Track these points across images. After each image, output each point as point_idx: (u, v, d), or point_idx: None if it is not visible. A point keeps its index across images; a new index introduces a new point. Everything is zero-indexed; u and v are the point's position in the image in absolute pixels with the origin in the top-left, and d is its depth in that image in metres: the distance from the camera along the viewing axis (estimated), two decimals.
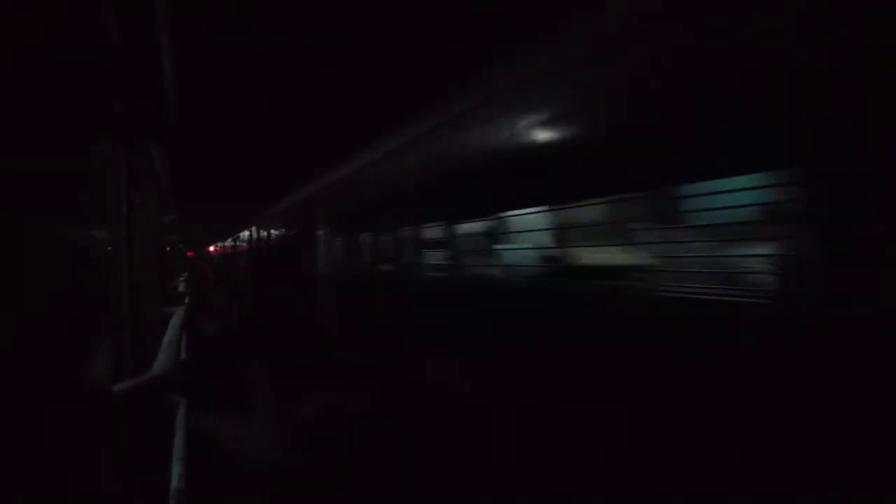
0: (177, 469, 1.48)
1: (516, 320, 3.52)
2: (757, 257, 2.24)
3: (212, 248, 33.23)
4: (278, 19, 3.44)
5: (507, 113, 3.55)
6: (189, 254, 24.85)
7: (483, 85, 3.78)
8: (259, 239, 14.57)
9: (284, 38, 3.71)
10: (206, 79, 4.19)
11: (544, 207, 3.46)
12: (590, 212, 3.19)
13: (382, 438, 4.11)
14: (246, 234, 16.80)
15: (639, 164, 2.65)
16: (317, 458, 3.91)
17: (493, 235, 4.11)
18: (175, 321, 3.13)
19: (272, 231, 13.63)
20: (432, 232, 4.97)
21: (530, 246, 3.68)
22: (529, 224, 3.70)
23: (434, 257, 4.91)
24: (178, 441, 1.68)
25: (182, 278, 10.29)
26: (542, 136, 3.28)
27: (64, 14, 1.33)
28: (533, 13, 3.08)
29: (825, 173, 1.93)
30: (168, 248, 6.62)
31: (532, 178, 3.40)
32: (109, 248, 1.71)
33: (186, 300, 7.34)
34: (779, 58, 2.04)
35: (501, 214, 4.03)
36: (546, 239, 3.55)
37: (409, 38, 3.75)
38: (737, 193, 2.24)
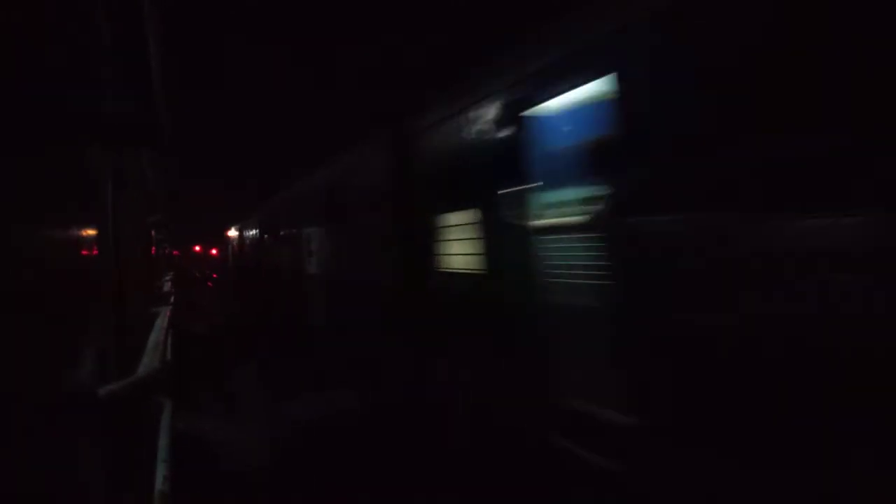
0: (161, 471, 1.48)
1: None
2: None
3: (198, 248, 32.88)
4: (268, 23, 3.43)
5: None
6: (174, 252, 24.59)
7: None
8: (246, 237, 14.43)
9: (274, 41, 3.70)
10: (196, 82, 4.17)
11: None
12: None
13: (370, 440, 4.11)
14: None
15: None
16: (303, 459, 3.90)
17: None
18: (160, 322, 3.10)
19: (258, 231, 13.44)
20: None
21: None
22: None
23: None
24: (163, 443, 1.67)
25: (167, 278, 10.19)
26: None
27: (54, 17, 1.33)
28: None
29: None
30: (153, 248, 6.55)
31: None
32: (96, 249, 1.70)
33: (172, 300, 7.27)
34: None
35: None
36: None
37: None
38: None
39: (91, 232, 1.55)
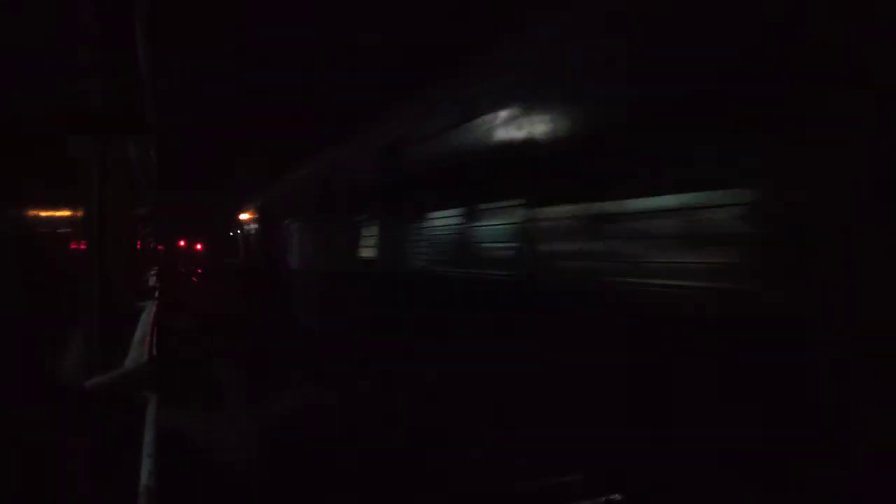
0: (147, 466, 1.47)
1: None
2: None
3: (182, 242, 32.57)
4: (256, 13, 3.41)
5: None
6: (159, 247, 24.34)
7: None
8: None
9: (262, 32, 3.68)
10: (184, 71, 4.13)
11: None
12: None
13: (356, 436, 4.11)
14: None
15: None
16: (288, 453, 3.89)
17: None
18: (146, 316, 3.07)
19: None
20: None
21: None
22: None
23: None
24: (149, 438, 1.66)
25: (152, 272, 10.08)
26: None
27: (39, 3, 1.31)
28: None
29: None
30: (138, 242, 6.47)
31: None
32: (81, 242, 1.69)
33: (156, 295, 7.19)
34: None
35: None
36: None
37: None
38: None
39: (77, 217, 1.54)
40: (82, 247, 1.71)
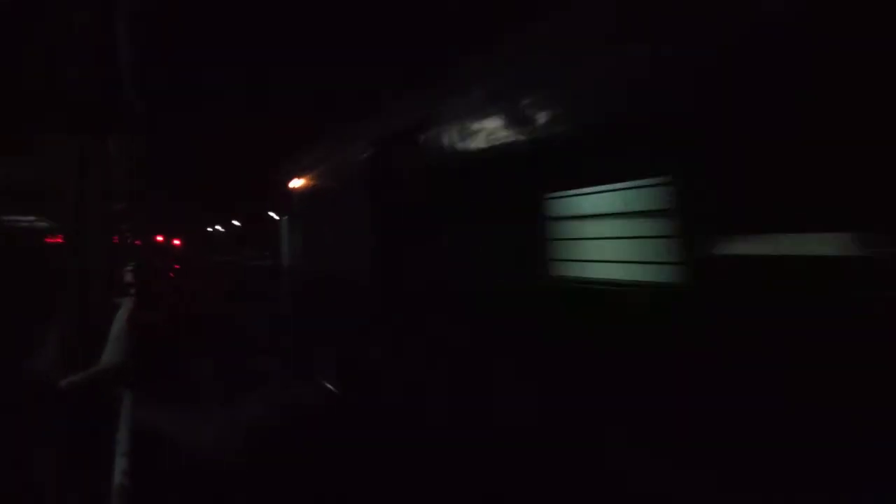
0: (120, 464, 1.46)
1: None
2: None
3: (160, 238, 32.07)
4: (244, 10, 3.40)
5: None
6: (136, 242, 23.96)
7: None
8: None
9: (250, 28, 3.66)
10: (169, 67, 4.08)
11: None
12: None
13: (333, 436, 4.10)
14: None
15: None
16: (263, 457, 3.86)
17: None
18: (122, 313, 3.04)
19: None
20: None
21: None
22: None
23: None
24: (123, 436, 1.65)
25: (129, 268, 9.90)
26: None
27: (26, 2, 1.31)
28: None
29: None
30: (116, 237, 6.37)
31: None
32: (59, 238, 1.67)
33: (133, 291, 7.07)
34: None
35: None
36: None
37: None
38: None
39: (57, 213, 1.52)
40: (59, 241, 1.70)
